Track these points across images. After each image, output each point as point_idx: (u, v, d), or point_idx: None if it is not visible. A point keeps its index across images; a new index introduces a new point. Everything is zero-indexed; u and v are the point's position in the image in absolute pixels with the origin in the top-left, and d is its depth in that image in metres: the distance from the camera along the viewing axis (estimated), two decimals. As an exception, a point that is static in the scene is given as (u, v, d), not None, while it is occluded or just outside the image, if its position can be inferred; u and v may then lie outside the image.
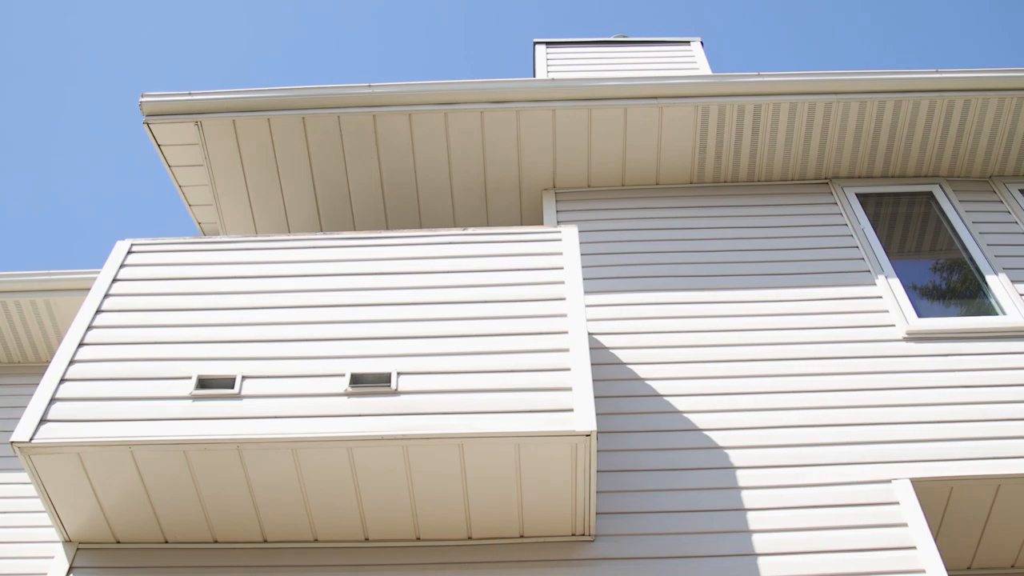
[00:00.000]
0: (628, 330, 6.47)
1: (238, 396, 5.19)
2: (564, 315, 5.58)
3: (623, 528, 5.31)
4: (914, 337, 6.36)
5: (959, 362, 6.19)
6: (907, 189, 7.66)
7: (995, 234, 7.21)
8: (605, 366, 6.18)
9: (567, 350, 5.37)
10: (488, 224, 7.82)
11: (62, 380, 5.30)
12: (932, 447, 5.67)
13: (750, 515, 5.36)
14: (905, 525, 5.28)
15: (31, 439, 4.98)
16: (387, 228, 7.75)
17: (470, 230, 6.26)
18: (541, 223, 7.65)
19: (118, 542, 5.30)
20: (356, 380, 5.24)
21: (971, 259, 7.04)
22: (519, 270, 5.91)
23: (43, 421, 5.07)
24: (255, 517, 5.21)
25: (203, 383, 5.26)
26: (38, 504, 6.88)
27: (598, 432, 5.41)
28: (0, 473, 7.60)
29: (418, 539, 5.28)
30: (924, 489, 5.50)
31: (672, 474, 5.59)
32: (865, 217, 7.32)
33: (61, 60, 19.69)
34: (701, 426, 5.85)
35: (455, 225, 7.78)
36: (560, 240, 6.12)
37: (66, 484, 5.07)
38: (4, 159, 19.37)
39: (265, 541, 5.30)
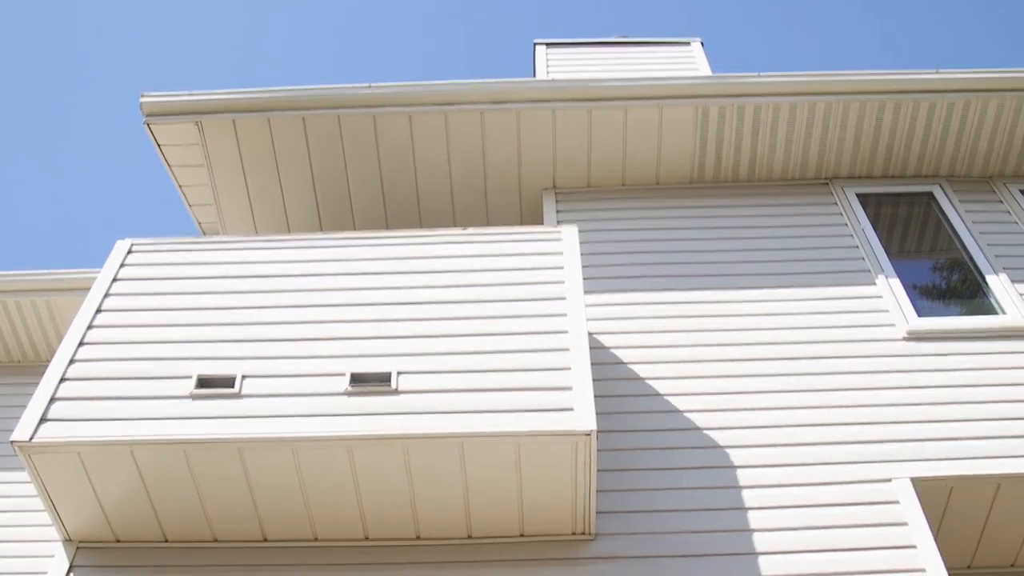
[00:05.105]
0: (628, 330, 6.47)
1: (238, 396, 5.19)
2: (564, 315, 5.58)
3: (623, 527, 5.31)
4: (914, 337, 6.36)
5: (959, 362, 6.19)
6: (907, 189, 7.65)
7: (995, 234, 7.21)
8: (605, 366, 6.17)
9: (567, 349, 5.37)
10: (488, 224, 7.81)
11: (62, 379, 5.30)
12: (932, 447, 5.67)
13: (750, 514, 5.36)
14: (905, 524, 5.28)
15: (31, 438, 4.98)
16: (387, 228, 7.74)
17: (470, 230, 6.26)
18: (541, 223, 7.64)
19: (118, 541, 5.30)
20: (356, 379, 5.24)
21: (971, 259, 7.04)
22: (519, 270, 5.91)
23: (43, 420, 5.07)
24: (255, 516, 5.20)
25: (203, 383, 5.25)
26: (38, 504, 6.86)
27: (598, 431, 5.40)
28: (0, 473, 7.59)
29: (418, 538, 5.28)
30: (924, 488, 5.50)
31: (672, 473, 5.59)
32: (865, 217, 7.32)
33: (61, 60, 19.70)
34: (701, 426, 5.85)
35: (455, 225, 7.77)
36: (560, 240, 6.12)
37: (66, 483, 5.07)
38: (4, 159, 19.38)
39: (265, 540, 5.29)
